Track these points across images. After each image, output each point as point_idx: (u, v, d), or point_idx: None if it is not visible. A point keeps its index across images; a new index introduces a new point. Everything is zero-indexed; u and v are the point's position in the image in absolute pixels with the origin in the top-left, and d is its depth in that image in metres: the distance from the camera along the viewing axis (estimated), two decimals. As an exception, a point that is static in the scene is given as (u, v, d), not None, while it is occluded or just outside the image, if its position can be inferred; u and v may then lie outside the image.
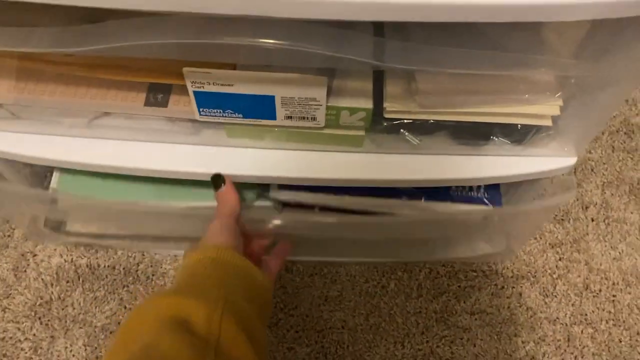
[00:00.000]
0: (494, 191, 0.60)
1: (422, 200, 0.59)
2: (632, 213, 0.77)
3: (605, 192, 0.79)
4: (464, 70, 0.41)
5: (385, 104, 0.48)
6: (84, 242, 0.71)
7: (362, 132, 0.51)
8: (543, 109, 0.48)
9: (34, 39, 0.39)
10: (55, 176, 0.60)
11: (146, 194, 0.58)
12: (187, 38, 0.37)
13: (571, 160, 0.53)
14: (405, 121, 0.50)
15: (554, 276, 0.72)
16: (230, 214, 0.47)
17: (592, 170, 0.81)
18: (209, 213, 0.49)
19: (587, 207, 0.78)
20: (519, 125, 0.50)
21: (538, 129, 0.51)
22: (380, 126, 0.50)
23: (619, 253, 0.74)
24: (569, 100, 0.48)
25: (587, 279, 0.72)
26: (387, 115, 0.49)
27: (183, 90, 0.47)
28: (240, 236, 0.46)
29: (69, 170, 0.58)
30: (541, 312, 0.70)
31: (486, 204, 0.59)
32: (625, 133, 0.84)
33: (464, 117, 0.49)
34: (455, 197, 0.59)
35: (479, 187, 0.60)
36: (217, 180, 0.49)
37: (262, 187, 0.61)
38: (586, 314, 0.70)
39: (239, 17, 0.34)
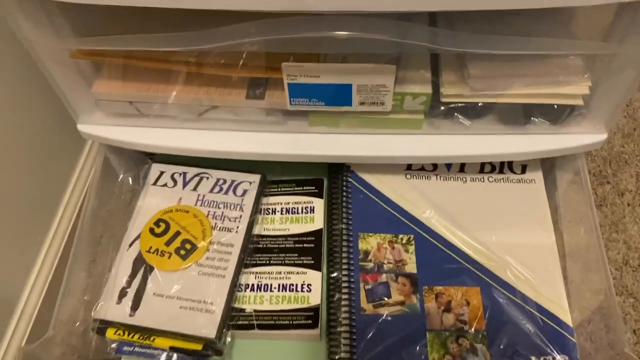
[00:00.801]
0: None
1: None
2: (665, 198, 0.84)
3: (639, 181, 0.86)
4: (502, 51, 0.51)
5: (442, 89, 0.58)
6: None
7: (421, 116, 0.61)
8: (574, 89, 0.58)
9: (172, 42, 0.52)
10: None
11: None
12: (291, 34, 0.49)
13: (602, 137, 0.62)
14: (459, 105, 0.60)
15: (594, 253, 0.79)
16: None
17: (626, 162, 0.89)
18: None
19: (622, 194, 0.85)
20: (555, 106, 0.60)
21: (571, 108, 0.60)
22: (437, 110, 0.60)
23: (655, 233, 0.81)
24: (597, 81, 0.58)
25: (626, 255, 0.80)
26: (443, 100, 0.59)
27: (277, 85, 0.59)
28: None
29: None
30: (584, 284, 0.77)
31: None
32: (655, 129, 0.92)
33: (508, 99, 0.59)
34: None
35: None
36: None
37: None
38: (627, 286, 0.77)
39: (321, 15, 0.45)
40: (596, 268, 0.68)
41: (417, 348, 0.60)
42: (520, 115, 0.61)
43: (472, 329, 0.61)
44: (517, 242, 0.67)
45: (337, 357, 0.59)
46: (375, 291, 0.63)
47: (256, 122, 0.63)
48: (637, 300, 0.76)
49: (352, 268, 0.65)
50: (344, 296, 0.63)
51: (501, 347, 0.60)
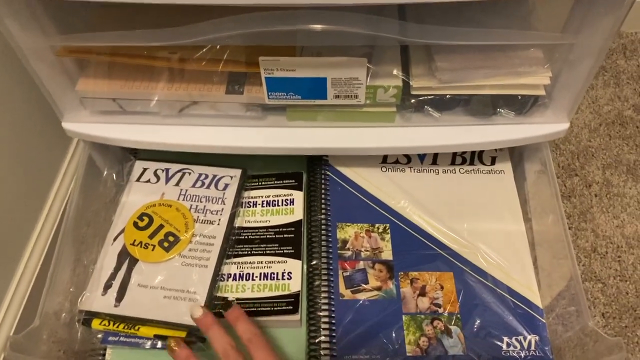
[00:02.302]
0: (545, 348, 0.63)
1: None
2: (630, 189, 0.88)
3: (605, 173, 0.90)
4: (468, 42, 0.55)
5: (412, 82, 0.61)
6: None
7: (393, 109, 0.65)
8: (535, 79, 0.61)
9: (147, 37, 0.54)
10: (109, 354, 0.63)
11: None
12: (267, 27, 0.52)
13: (564, 126, 0.66)
14: (429, 97, 0.63)
15: (563, 241, 0.83)
16: None
17: (592, 155, 0.93)
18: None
19: (590, 186, 0.89)
20: (519, 97, 0.63)
21: (535, 99, 0.64)
22: (408, 103, 0.64)
23: (621, 221, 0.85)
24: (557, 72, 0.62)
25: (594, 243, 0.83)
26: (413, 92, 0.62)
27: (255, 80, 0.62)
28: None
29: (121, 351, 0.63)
30: (555, 271, 0.80)
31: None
32: (620, 124, 0.96)
33: (474, 90, 0.62)
34: None
35: (529, 343, 0.63)
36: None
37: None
38: (595, 272, 0.81)
39: (296, 9, 0.48)
40: (564, 255, 0.71)
41: (394, 330, 0.62)
42: (486, 107, 0.65)
43: (446, 312, 0.64)
44: (488, 229, 0.70)
45: (316, 341, 0.62)
46: (353, 278, 0.66)
47: (236, 117, 0.65)
48: (606, 285, 0.80)
49: (331, 256, 0.67)
50: (323, 283, 0.65)
51: (474, 328, 0.63)
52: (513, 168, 0.75)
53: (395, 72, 0.61)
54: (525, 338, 0.63)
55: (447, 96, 0.63)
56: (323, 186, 0.72)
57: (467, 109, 0.65)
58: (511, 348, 0.62)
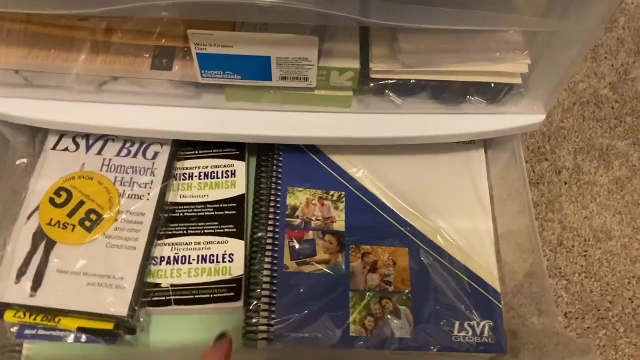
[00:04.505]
0: (498, 335, 0.59)
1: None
2: (601, 176, 0.83)
3: (577, 158, 0.84)
4: (440, 26, 0.46)
5: (371, 65, 0.52)
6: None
7: (350, 93, 0.56)
8: (512, 67, 0.53)
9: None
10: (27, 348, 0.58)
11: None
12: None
13: (540, 117, 0.59)
14: (390, 81, 0.54)
15: (529, 234, 0.77)
16: None
17: (564, 138, 0.86)
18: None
19: (559, 172, 0.83)
20: (492, 84, 0.55)
21: (509, 87, 0.56)
22: (366, 87, 0.55)
23: (590, 212, 0.80)
24: (537, 59, 0.54)
25: (560, 236, 0.78)
26: (373, 76, 0.53)
27: (186, 54, 0.52)
28: None
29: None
30: (518, 266, 0.75)
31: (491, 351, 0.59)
32: (594, 104, 0.90)
33: (442, 76, 0.54)
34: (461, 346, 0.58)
35: (482, 329, 0.59)
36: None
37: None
38: (560, 268, 0.76)
39: None
40: (529, 250, 0.66)
41: (339, 309, 0.58)
42: (455, 94, 0.57)
43: (397, 290, 0.60)
44: (451, 207, 0.66)
45: (253, 321, 0.56)
46: (300, 249, 0.61)
47: (165, 95, 0.56)
48: (570, 282, 0.75)
49: (277, 224, 0.61)
50: (267, 254, 0.60)
51: (425, 309, 0.59)
52: (485, 147, 0.70)
53: (352, 52, 0.52)
54: (478, 323, 0.59)
55: (412, 81, 0.54)
56: (276, 146, 0.66)
57: (433, 95, 0.57)
58: (462, 333, 0.59)
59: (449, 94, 0.57)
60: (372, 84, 0.54)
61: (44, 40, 0.52)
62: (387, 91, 0.56)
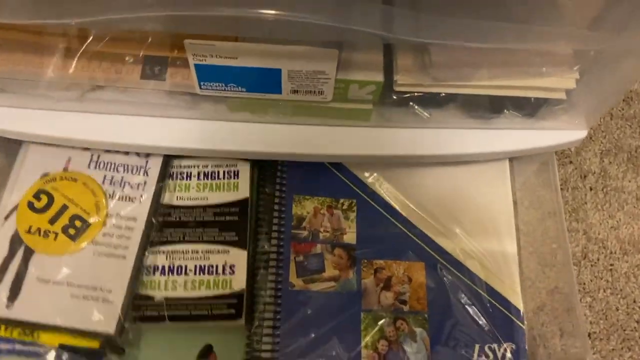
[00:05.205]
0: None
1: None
2: (629, 182, 0.77)
3: (603, 161, 0.78)
4: (479, 44, 0.39)
5: (396, 77, 0.45)
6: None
7: (369, 106, 0.49)
8: (558, 82, 0.46)
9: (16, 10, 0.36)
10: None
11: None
12: (182, 10, 0.34)
13: (581, 134, 0.53)
14: (416, 94, 0.48)
15: (554, 246, 0.72)
16: None
17: (590, 138, 0.80)
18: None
19: (585, 176, 0.77)
20: (532, 98, 0.49)
21: (550, 101, 0.49)
22: (389, 100, 0.48)
23: (617, 222, 0.74)
24: (585, 73, 0.47)
25: (585, 248, 0.72)
26: (397, 89, 0.46)
27: (181, 62, 0.45)
28: None
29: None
30: (540, 281, 0.70)
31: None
32: (623, 100, 0.83)
33: (477, 90, 0.47)
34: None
35: (503, 353, 0.55)
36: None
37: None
38: (584, 283, 0.70)
39: None
40: (553, 263, 0.61)
41: (350, 331, 0.53)
42: (489, 107, 0.50)
43: (412, 310, 0.55)
44: (471, 217, 0.60)
45: (255, 347, 0.51)
46: (307, 264, 0.55)
47: (158, 105, 0.49)
48: (595, 299, 0.70)
49: (282, 237, 0.55)
50: (270, 270, 0.54)
51: (443, 331, 0.54)
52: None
53: (375, 62, 0.45)
54: (499, 346, 0.55)
55: (441, 94, 0.48)
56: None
57: (464, 108, 0.50)
58: (482, 358, 0.54)
59: (482, 107, 0.50)
60: (395, 97, 0.47)
61: (17, 46, 0.44)
62: (411, 103, 0.49)
